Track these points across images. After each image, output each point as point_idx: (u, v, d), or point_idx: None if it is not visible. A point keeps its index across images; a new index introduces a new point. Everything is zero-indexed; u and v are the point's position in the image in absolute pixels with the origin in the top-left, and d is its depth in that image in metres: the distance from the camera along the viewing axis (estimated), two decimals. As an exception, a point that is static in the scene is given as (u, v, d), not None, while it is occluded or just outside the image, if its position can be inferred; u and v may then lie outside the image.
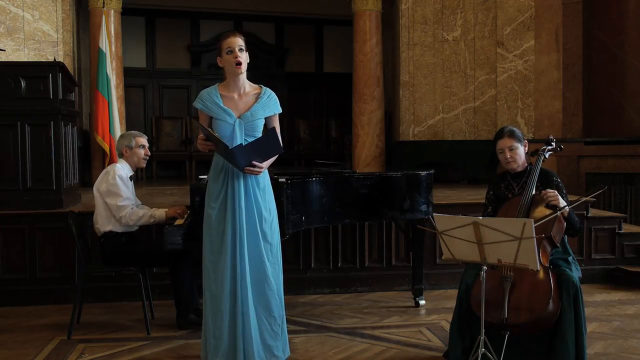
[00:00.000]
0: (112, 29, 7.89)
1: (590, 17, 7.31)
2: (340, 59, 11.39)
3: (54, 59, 6.20)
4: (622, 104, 7.06)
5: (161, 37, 11.19)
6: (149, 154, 4.48)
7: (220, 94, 3.32)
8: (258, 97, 3.35)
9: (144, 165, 4.50)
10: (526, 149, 3.54)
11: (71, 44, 7.98)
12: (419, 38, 8.43)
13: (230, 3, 10.76)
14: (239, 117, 3.29)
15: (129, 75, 9.14)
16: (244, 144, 3.21)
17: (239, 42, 3.27)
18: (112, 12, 7.94)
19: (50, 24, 7.73)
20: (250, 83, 3.40)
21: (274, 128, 3.29)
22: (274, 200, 3.42)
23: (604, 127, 7.13)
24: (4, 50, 6.51)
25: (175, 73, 11.25)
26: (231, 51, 3.25)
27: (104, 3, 7.77)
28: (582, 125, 7.40)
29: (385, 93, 8.72)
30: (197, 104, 3.34)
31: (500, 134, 3.53)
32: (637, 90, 7.02)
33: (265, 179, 3.37)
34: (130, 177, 4.36)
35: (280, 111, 3.41)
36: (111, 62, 7.57)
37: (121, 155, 4.39)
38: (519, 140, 3.49)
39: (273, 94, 3.39)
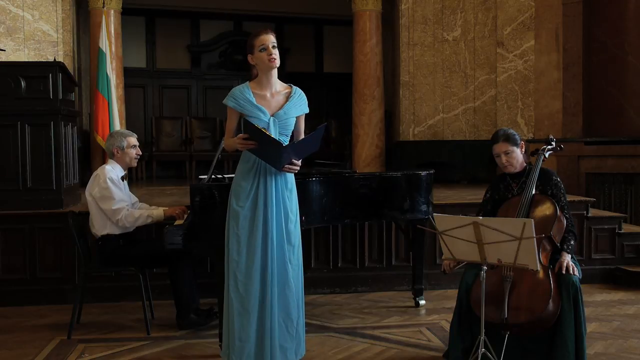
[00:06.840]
0: (112, 29, 7.89)
1: (590, 17, 7.30)
2: (340, 59, 11.38)
3: (54, 59, 6.20)
4: (622, 104, 7.05)
5: (161, 37, 11.19)
6: (140, 153, 4.43)
7: (253, 92, 3.30)
8: (289, 96, 3.34)
9: (136, 164, 4.46)
10: (523, 150, 3.52)
11: (71, 44, 7.98)
12: (419, 38, 8.43)
13: (230, 3, 10.75)
14: (273, 116, 3.27)
15: (129, 75, 9.13)
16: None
17: (271, 39, 3.26)
18: (112, 12, 7.94)
19: (50, 24, 7.73)
20: (281, 82, 3.39)
21: (324, 126, 3.28)
22: (297, 201, 3.41)
23: (604, 127, 7.12)
24: (4, 50, 6.51)
25: (175, 73, 11.25)
26: (265, 48, 3.24)
27: (104, 3, 7.78)
28: (582, 125, 7.39)
29: (385, 93, 8.72)
30: (228, 102, 3.28)
31: (495, 138, 3.50)
32: (637, 90, 7.01)
33: (292, 178, 3.37)
34: (123, 177, 4.31)
35: (308, 111, 3.40)
36: (111, 62, 7.57)
37: (112, 156, 4.30)
38: (515, 144, 3.47)
39: (303, 93, 3.39)
